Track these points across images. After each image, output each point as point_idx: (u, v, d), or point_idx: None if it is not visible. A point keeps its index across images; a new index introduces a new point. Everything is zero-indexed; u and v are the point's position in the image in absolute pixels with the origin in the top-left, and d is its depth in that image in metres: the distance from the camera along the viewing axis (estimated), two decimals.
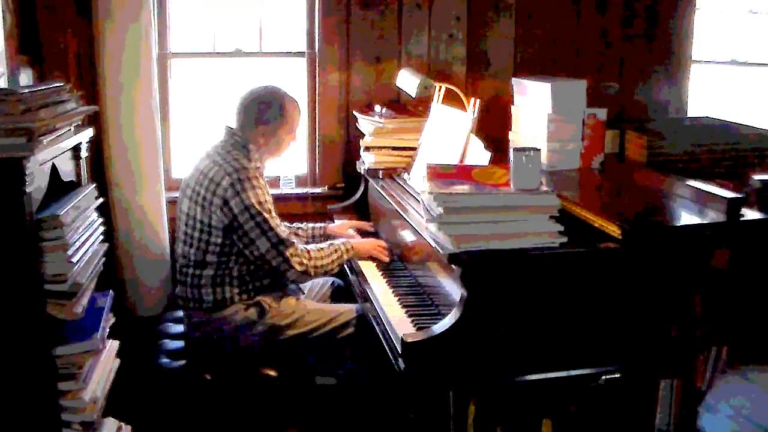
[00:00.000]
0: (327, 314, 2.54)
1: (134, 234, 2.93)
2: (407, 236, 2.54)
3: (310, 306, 2.59)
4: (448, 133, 2.70)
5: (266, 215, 2.41)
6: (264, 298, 2.50)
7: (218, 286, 2.47)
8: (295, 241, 2.48)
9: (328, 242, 2.62)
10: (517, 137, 2.74)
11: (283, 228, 2.47)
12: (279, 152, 2.64)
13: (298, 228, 2.94)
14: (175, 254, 2.66)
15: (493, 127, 2.78)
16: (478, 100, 2.56)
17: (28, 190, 1.73)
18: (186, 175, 2.59)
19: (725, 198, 1.95)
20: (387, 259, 2.64)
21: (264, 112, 2.55)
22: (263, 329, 2.48)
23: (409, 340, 1.86)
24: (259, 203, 2.40)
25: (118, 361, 2.28)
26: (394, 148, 3.01)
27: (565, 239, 1.90)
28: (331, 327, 2.51)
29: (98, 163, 2.88)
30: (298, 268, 2.45)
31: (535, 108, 2.64)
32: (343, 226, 2.98)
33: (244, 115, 2.56)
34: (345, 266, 2.69)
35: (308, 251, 2.50)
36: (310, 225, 2.97)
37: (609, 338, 1.93)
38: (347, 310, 2.56)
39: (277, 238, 2.42)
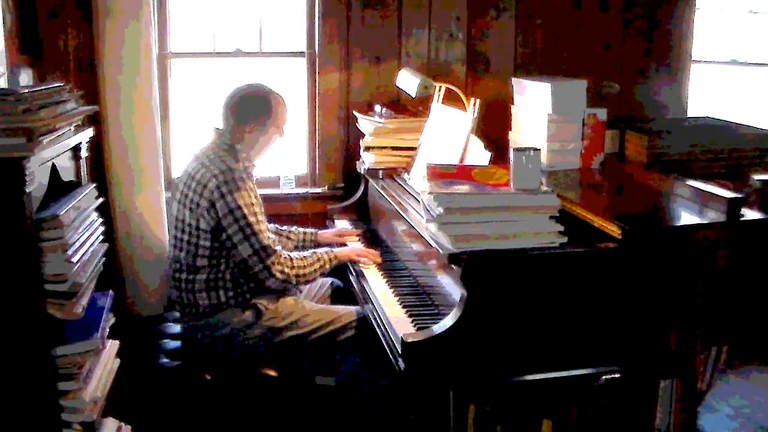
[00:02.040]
0: (327, 316, 2.53)
1: (134, 234, 2.93)
2: (407, 236, 2.54)
3: (309, 307, 2.58)
4: (448, 133, 2.69)
5: (251, 219, 2.38)
6: (260, 300, 2.48)
7: (212, 291, 2.46)
8: (278, 248, 2.45)
9: (312, 251, 2.59)
10: (517, 137, 2.74)
11: (268, 234, 2.44)
12: (267, 149, 2.62)
13: (290, 232, 2.91)
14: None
15: (493, 127, 2.78)
16: (478, 100, 2.56)
17: (28, 190, 1.73)
18: (176, 179, 2.58)
19: (725, 198, 1.95)
20: (370, 264, 2.62)
21: (250, 110, 2.54)
22: (260, 332, 2.47)
23: (409, 340, 1.86)
24: (246, 206, 2.38)
25: (118, 361, 2.28)
26: (394, 148, 3.01)
27: (565, 239, 1.90)
28: (331, 329, 2.50)
29: (98, 163, 2.88)
30: (279, 276, 2.42)
31: (535, 108, 2.64)
32: (333, 233, 2.96)
33: (230, 114, 2.55)
34: (348, 266, 2.69)
35: (291, 259, 2.47)
36: (301, 230, 2.94)
37: (609, 338, 1.93)
38: (348, 312, 2.54)
39: (259, 245, 2.39)
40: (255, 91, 2.58)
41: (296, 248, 2.87)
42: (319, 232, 2.96)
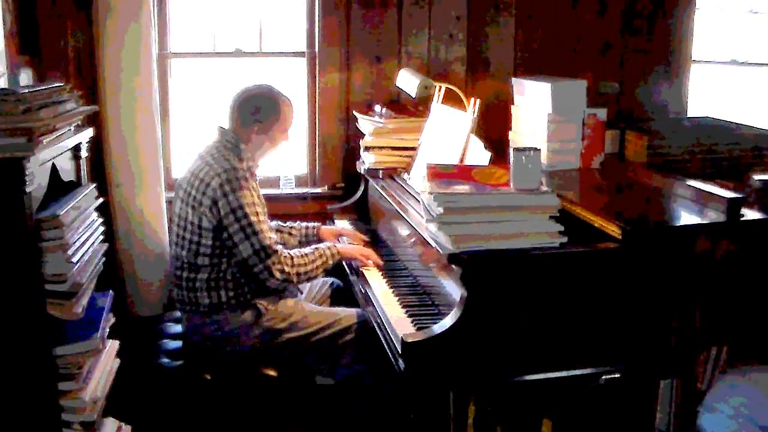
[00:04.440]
0: (327, 318, 2.52)
1: (134, 234, 2.93)
2: (407, 236, 2.54)
3: (309, 309, 2.57)
4: (448, 133, 2.69)
5: (252, 218, 2.37)
6: (260, 301, 2.48)
7: (213, 290, 2.46)
8: (279, 247, 2.43)
9: (313, 247, 2.57)
10: (517, 137, 2.74)
11: (270, 234, 2.43)
12: (272, 151, 2.62)
13: (291, 227, 2.91)
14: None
15: (493, 127, 2.78)
16: (478, 100, 2.56)
17: (28, 190, 1.74)
18: (179, 178, 2.59)
19: (725, 198, 1.95)
20: (371, 265, 2.60)
21: (258, 111, 2.53)
22: (260, 332, 2.47)
23: (409, 340, 1.86)
24: (248, 205, 2.37)
25: (118, 361, 2.28)
26: (394, 148, 3.01)
27: (565, 239, 1.90)
28: (331, 331, 2.50)
29: (98, 163, 2.88)
30: (279, 276, 2.40)
31: (535, 108, 2.64)
32: (334, 230, 2.94)
33: (238, 114, 2.54)
34: (345, 267, 2.69)
35: (291, 257, 2.45)
36: (303, 224, 2.93)
37: (609, 338, 1.93)
38: (348, 314, 2.53)
39: (260, 245, 2.38)
40: (263, 92, 2.57)
41: (299, 243, 2.87)
42: (322, 227, 2.96)
